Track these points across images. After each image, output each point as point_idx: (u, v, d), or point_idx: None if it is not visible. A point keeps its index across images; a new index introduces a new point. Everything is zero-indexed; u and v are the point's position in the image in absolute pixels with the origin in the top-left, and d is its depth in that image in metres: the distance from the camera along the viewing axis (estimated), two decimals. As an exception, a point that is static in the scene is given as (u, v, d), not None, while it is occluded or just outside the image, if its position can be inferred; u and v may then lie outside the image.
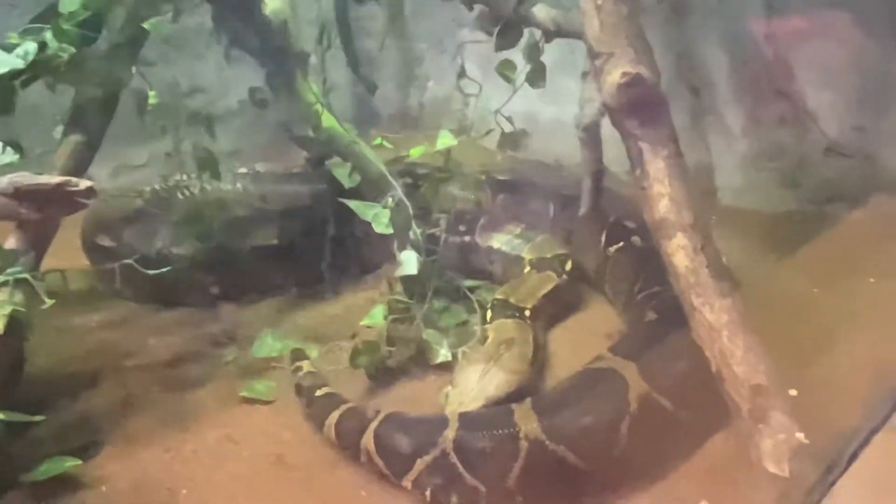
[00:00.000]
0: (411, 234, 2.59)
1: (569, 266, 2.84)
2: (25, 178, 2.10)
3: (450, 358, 2.45)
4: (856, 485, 1.61)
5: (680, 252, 1.92)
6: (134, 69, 2.53)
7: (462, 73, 2.84)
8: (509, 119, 2.77)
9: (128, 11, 2.47)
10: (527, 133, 2.85)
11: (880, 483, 1.63)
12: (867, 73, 3.11)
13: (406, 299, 2.57)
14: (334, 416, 2.14)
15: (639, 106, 1.96)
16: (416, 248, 2.58)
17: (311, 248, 2.99)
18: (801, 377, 1.98)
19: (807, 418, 1.72)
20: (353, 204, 2.56)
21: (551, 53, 2.70)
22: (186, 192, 2.95)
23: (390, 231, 2.52)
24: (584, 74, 2.73)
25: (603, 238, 2.89)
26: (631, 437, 1.91)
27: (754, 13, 3.26)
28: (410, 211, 2.57)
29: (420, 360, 2.49)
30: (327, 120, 2.94)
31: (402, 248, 2.59)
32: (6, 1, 3.30)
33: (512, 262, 3.00)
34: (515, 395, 2.13)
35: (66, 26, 2.30)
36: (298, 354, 2.47)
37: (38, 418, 2.06)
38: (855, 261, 2.78)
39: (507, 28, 2.66)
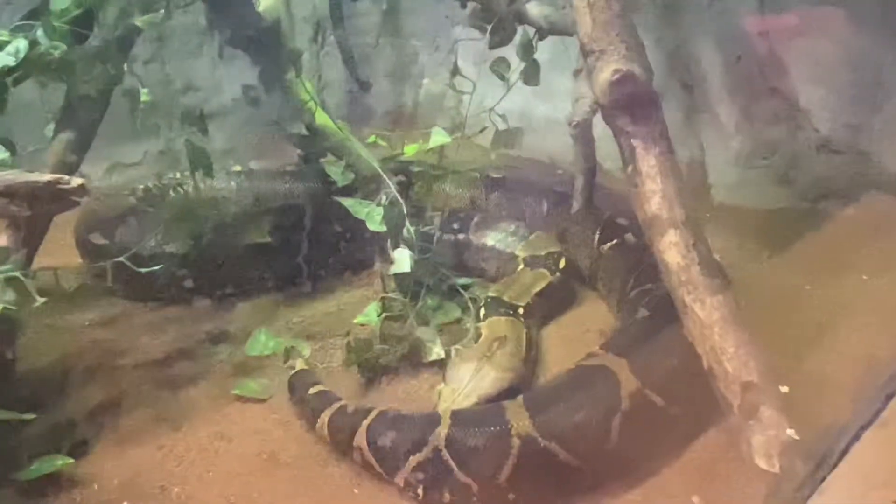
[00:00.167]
0: (405, 232, 2.59)
1: (562, 263, 2.85)
2: (16, 175, 2.09)
3: (443, 355, 2.45)
4: (846, 481, 1.61)
5: (672, 249, 1.92)
6: (126, 67, 2.53)
7: (456, 71, 2.84)
8: (503, 117, 2.77)
9: (119, 9, 2.46)
10: (521, 131, 2.85)
11: (870, 479, 1.62)
12: (860, 70, 3.12)
13: (399, 297, 2.57)
14: (327, 414, 2.15)
15: (630, 103, 1.96)
16: (409, 245, 2.58)
17: (304, 245, 2.99)
18: (792, 373, 1.98)
19: (797, 414, 1.72)
20: (346, 202, 2.56)
21: (545, 51, 2.70)
22: (180, 190, 2.94)
23: (384, 229, 2.52)
24: (577, 72, 2.74)
25: (596, 235, 2.89)
26: (622, 433, 1.92)
27: (747, 10, 3.26)
28: (404, 209, 2.57)
29: (413, 358, 2.49)
30: (321, 117, 2.94)
31: (395, 246, 2.59)
32: (-2, -1, 3.29)
33: (505, 259, 3.00)
34: (508, 393, 2.13)
35: (57, 23, 2.29)
36: (291, 352, 2.47)
37: (29, 416, 2.06)
38: (847, 257, 2.79)
39: (500, 26, 2.66)
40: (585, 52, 2.03)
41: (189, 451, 2.17)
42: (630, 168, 2.00)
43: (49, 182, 2.09)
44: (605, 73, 1.94)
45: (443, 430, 1.92)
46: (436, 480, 1.93)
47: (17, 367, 2.27)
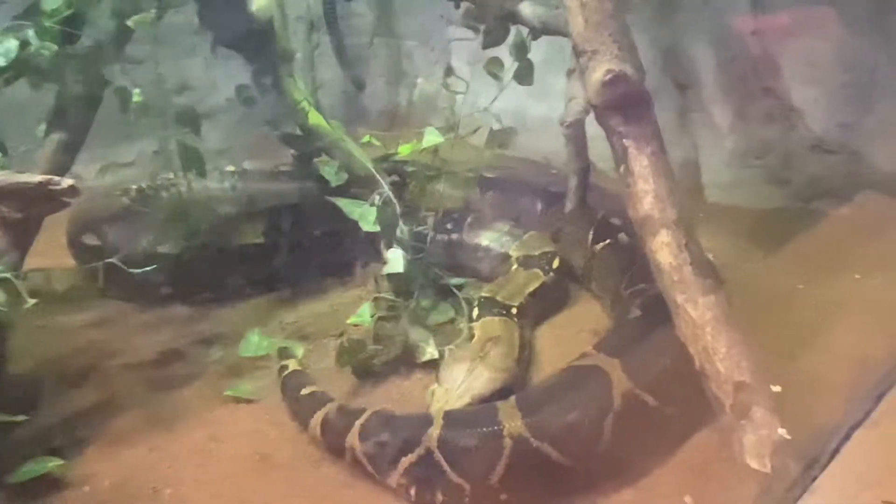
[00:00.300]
0: (398, 232, 2.59)
1: (556, 263, 2.84)
2: (7, 176, 2.08)
3: (436, 356, 2.45)
4: (837, 480, 1.62)
5: (664, 249, 1.92)
6: (118, 67, 2.52)
7: (450, 71, 2.84)
8: (497, 116, 2.76)
9: (111, 9, 2.45)
10: (515, 130, 2.84)
11: (861, 479, 1.63)
12: (853, 69, 3.12)
13: (393, 297, 2.57)
14: (320, 415, 2.14)
15: (623, 103, 1.96)
16: (402, 245, 2.57)
17: (297, 246, 2.99)
18: (784, 373, 1.99)
19: (789, 414, 1.73)
20: (340, 202, 2.55)
21: (539, 51, 2.70)
22: (173, 191, 2.93)
23: (377, 229, 2.51)
24: (569, 72, 2.74)
25: (590, 235, 2.89)
26: (615, 433, 1.91)
27: (740, 10, 3.26)
28: (398, 209, 2.57)
29: (406, 358, 2.49)
30: (314, 117, 2.93)
31: (389, 246, 2.59)
32: (-12, -2, 3.28)
33: (499, 259, 3.00)
34: (501, 393, 2.12)
35: (48, 24, 2.28)
36: (284, 353, 2.47)
37: (20, 418, 2.05)
38: (840, 257, 2.80)
39: (493, 25, 2.65)
40: (578, 53, 2.03)
41: (182, 452, 2.16)
42: (622, 168, 2.00)
43: (40, 183, 2.08)
44: (598, 73, 1.94)
45: (435, 431, 1.91)
46: (428, 481, 1.92)
47: (8, 368, 2.26)
